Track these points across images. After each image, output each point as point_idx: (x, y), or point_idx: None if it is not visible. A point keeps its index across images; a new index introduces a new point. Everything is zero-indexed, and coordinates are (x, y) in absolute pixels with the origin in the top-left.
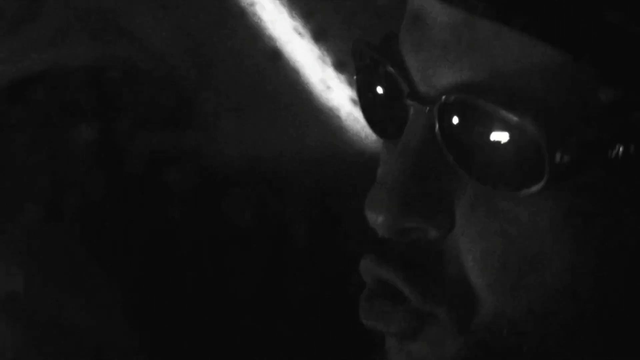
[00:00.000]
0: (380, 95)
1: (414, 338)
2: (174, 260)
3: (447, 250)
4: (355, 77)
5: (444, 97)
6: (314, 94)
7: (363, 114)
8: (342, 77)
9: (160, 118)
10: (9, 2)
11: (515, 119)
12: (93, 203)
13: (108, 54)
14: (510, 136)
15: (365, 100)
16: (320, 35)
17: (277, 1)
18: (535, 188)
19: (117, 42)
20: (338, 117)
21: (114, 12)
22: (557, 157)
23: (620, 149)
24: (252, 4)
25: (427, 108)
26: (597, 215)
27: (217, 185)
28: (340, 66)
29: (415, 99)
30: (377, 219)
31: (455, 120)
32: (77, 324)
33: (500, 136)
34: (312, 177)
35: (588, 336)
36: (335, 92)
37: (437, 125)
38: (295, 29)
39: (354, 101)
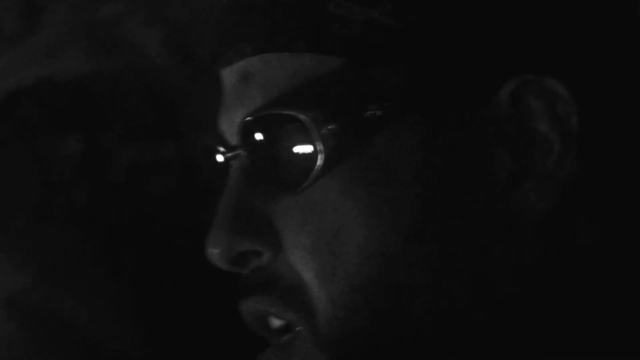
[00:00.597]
0: (214, 170)
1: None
2: (159, 260)
3: (283, 265)
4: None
5: (240, 133)
6: None
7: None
8: None
9: (145, 129)
10: (8, 18)
11: (281, 114)
12: (82, 208)
13: (97, 69)
14: (286, 134)
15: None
16: None
17: None
18: (318, 170)
19: (107, 57)
20: None
21: (106, 28)
22: (323, 131)
23: (369, 113)
24: None
25: (235, 150)
26: (376, 182)
27: (196, 189)
28: None
29: (229, 151)
30: (214, 254)
31: (250, 145)
32: (78, 321)
33: (279, 138)
34: None
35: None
36: None
37: (243, 157)
38: None
39: None
